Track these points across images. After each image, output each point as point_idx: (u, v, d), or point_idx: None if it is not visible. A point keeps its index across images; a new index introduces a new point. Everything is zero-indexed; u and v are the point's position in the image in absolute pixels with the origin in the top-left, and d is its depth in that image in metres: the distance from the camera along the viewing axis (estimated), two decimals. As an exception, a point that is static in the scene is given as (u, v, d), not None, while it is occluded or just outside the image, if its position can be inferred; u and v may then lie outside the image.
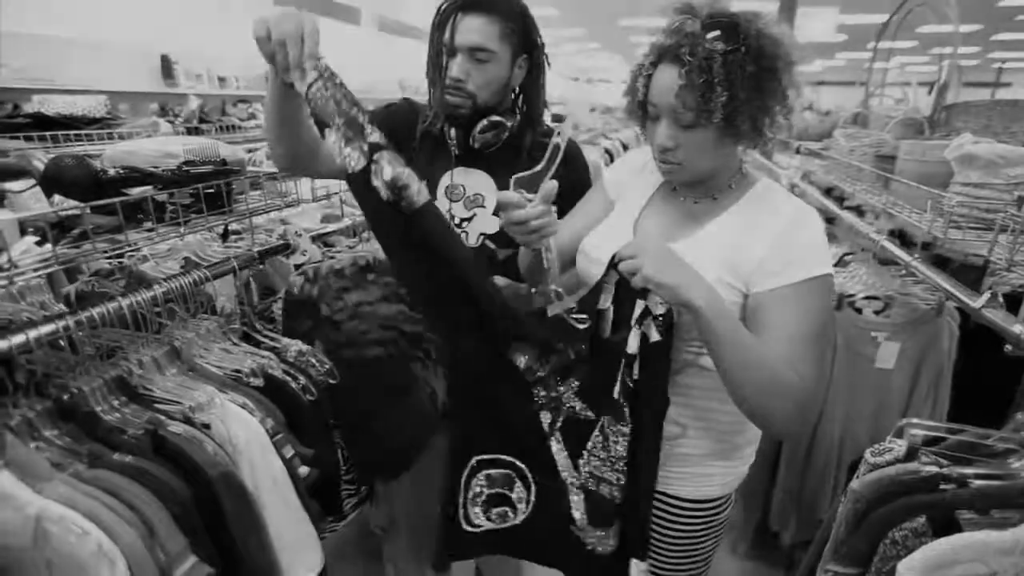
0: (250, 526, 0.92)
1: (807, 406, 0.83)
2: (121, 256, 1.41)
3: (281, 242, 1.33)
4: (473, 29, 1.09)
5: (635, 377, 0.86)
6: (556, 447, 0.94)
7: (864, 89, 2.17)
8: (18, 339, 0.78)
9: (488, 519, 1.02)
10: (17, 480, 0.72)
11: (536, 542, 1.01)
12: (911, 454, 0.83)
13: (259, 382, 1.04)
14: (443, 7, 1.12)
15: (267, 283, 1.77)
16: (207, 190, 1.09)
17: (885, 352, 1.46)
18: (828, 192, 2.10)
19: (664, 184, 1.02)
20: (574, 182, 1.21)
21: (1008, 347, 0.88)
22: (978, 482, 0.75)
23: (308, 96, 0.79)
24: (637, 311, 0.84)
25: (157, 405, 0.92)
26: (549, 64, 1.24)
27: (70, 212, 0.87)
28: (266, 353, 1.08)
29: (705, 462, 0.99)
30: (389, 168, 0.80)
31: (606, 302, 0.88)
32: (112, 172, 0.95)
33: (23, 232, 0.84)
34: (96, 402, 0.87)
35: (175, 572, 0.77)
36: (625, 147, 6.17)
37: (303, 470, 1.01)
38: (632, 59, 0.91)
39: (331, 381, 1.15)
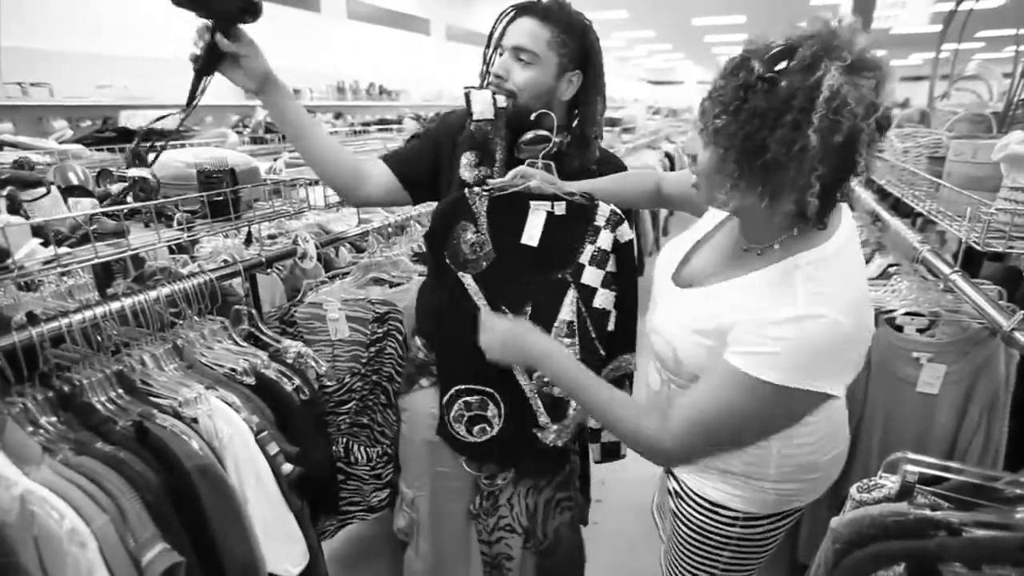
0: (229, 517, 0.96)
1: (664, 456, 0.89)
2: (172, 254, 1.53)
3: (293, 247, 1.39)
4: (522, 31, 1.12)
5: (592, 305, 1.19)
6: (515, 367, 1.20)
7: (929, 84, 1.96)
8: (22, 335, 0.86)
9: (470, 434, 1.26)
10: (9, 462, 0.80)
11: (505, 447, 1.26)
12: (904, 493, 0.74)
13: (251, 380, 1.09)
14: (504, 10, 1.16)
15: (296, 286, 1.86)
16: (216, 198, 1.16)
17: (928, 375, 1.31)
18: (887, 198, 1.92)
19: None
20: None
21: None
22: (976, 531, 0.65)
23: None
24: (588, 254, 1.18)
25: (151, 399, 0.99)
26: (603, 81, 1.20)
27: (79, 217, 0.95)
28: (260, 353, 1.13)
29: (729, 472, 0.99)
30: None
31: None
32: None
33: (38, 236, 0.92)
34: (94, 394, 0.94)
35: (144, 557, 0.82)
36: (690, 151, 5.95)
37: (286, 467, 1.05)
38: (705, 59, 0.88)
39: (328, 383, 1.19)
